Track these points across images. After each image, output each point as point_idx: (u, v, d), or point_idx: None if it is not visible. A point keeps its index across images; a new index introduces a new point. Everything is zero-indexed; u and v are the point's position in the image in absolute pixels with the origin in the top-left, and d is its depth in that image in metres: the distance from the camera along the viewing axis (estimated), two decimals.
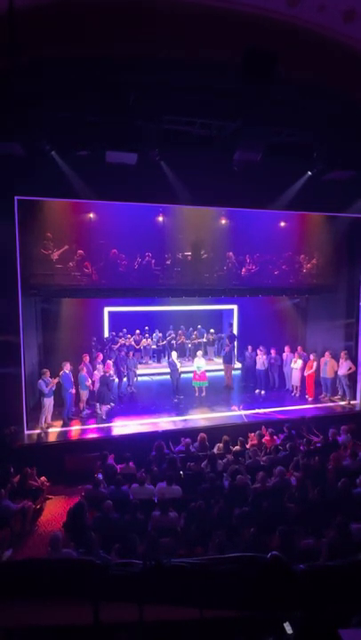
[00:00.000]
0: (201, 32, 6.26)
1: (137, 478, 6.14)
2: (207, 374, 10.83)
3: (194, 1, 5.91)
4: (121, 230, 10.85)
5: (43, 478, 7.02)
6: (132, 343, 12.56)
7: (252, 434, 8.14)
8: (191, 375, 10.86)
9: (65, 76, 6.62)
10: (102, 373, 9.42)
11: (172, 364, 10.73)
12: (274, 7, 6.08)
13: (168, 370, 10.96)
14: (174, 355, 10.90)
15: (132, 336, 12.75)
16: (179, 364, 10.70)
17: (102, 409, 9.38)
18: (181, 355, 12.60)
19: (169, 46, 6.45)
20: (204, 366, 10.76)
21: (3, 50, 5.33)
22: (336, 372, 10.52)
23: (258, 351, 11.21)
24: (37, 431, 8.58)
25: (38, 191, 8.39)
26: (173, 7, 5.91)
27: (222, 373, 11.88)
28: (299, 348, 11.29)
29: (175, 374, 10.64)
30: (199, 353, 11.27)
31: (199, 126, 7.74)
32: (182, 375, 10.83)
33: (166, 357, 13.23)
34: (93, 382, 9.61)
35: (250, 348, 11.53)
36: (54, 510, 6.85)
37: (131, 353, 11.59)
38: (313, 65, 6.88)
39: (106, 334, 12.81)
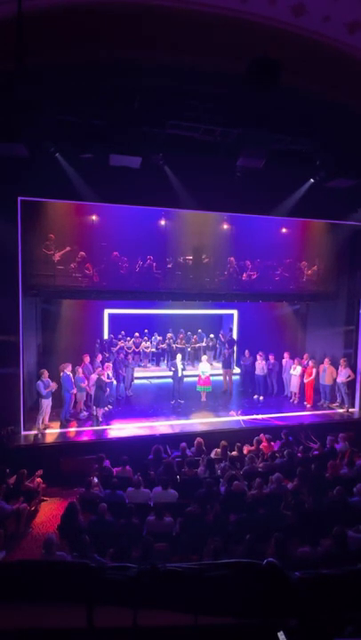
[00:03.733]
0: (206, 40, 6.33)
1: (133, 482, 6.11)
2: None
3: (200, 9, 5.97)
4: (123, 233, 10.88)
5: (38, 480, 6.98)
6: (132, 346, 12.55)
7: (250, 440, 8.11)
8: (194, 379, 10.80)
9: (70, 80, 6.67)
10: (97, 376, 9.40)
11: (173, 366, 10.71)
12: (279, 17, 6.15)
13: (167, 373, 10.91)
14: (178, 357, 10.87)
15: (131, 339, 12.75)
16: (180, 368, 10.67)
17: (99, 412, 9.35)
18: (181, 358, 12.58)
19: (174, 53, 6.51)
20: (208, 371, 10.70)
21: (9, 53, 5.38)
22: (335, 380, 10.50)
23: (257, 356, 11.20)
24: (34, 432, 8.55)
25: (41, 192, 8.44)
26: (179, 15, 5.97)
27: (221, 378, 11.86)
28: (305, 355, 11.31)
29: (175, 376, 10.62)
30: (204, 357, 11.23)
31: (203, 132, 7.79)
32: (185, 379, 10.76)
33: (165, 361, 13.20)
34: (89, 384, 9.57)
35: (247, 352, 11.52)
36: (49, 512, 6.81)
37: (130, 356, 11.57)
38: (317, 74, 6.94)
39: (106, 336, 12.80)
